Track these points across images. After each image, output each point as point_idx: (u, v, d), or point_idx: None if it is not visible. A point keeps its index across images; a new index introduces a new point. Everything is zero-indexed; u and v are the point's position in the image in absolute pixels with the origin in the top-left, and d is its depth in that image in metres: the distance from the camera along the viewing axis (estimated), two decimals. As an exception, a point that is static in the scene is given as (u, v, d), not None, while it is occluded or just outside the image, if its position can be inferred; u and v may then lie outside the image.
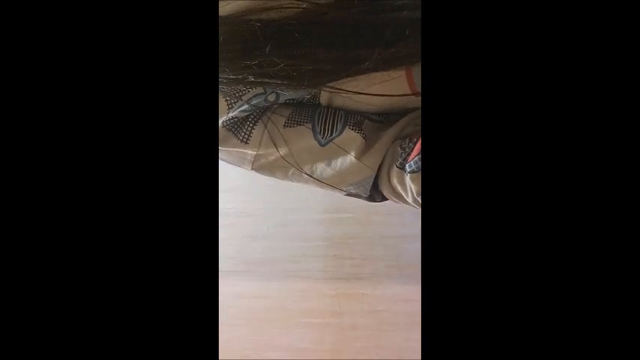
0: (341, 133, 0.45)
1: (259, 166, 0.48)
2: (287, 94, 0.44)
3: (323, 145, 0.46)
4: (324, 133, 0.45)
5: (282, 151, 0.46)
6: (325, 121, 0.46)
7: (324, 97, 0.45)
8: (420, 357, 0.29)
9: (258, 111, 0.46)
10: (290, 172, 0.48)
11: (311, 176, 0.47)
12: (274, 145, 0.46)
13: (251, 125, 0.46)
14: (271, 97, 0.44)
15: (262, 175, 0.50)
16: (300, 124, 0.46)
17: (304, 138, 0.46)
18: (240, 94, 0.43)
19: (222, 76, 0.41)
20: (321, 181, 0.47)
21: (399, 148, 0.45)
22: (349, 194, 0.49)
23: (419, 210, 0.43)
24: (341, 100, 0.45)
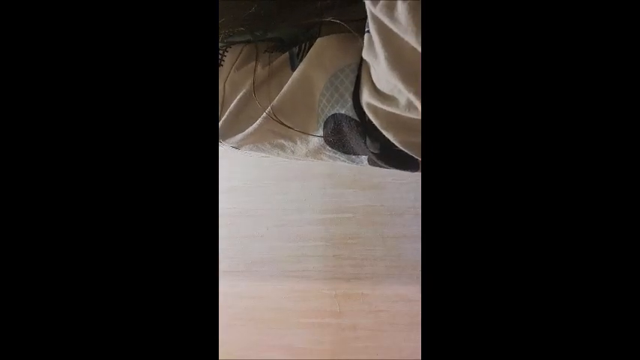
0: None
1: (224, 122, 0.44)
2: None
3: (294, 69, 0.41)
4: (299, 52, 0.42)
5: (257, 72, 0.42)
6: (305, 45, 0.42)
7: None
8: (420, 357, 0.29)
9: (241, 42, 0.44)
10: (259, 122, 0.43)
11: (280, 121, 0.42)
12: (253, 61, 0.42)
13: (228, 47, 0.44)
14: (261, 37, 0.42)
15: (261, 175, 0.48)
16: (281, 53, 0.43)
17: (280, 62, 0.42)
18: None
19: (224, 32, 0.40)
20: (294, 129, 0.42)
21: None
22: (327, 135, 0.42)
23: (419, 210, 0.42)
24: None
